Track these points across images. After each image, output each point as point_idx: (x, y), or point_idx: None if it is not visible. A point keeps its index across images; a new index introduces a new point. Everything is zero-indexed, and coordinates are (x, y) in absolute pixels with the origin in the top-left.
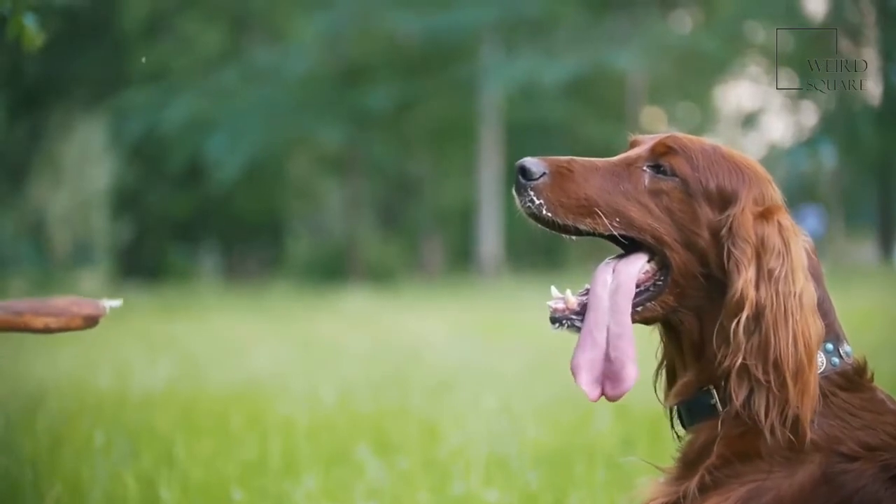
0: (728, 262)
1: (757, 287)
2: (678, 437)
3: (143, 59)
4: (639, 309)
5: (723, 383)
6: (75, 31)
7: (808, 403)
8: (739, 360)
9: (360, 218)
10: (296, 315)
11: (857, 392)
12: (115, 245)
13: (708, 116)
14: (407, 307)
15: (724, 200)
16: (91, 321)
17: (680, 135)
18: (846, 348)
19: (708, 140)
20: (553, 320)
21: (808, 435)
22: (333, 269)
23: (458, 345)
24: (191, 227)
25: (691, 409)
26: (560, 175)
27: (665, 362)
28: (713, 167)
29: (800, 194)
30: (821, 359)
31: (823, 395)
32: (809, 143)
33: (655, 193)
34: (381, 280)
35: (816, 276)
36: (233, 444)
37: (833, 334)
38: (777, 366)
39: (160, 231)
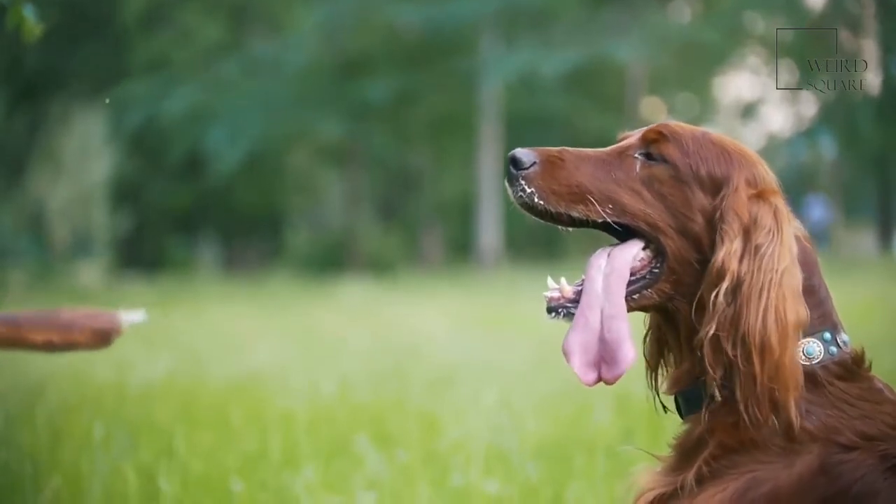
0: (716, 239)
1: (741, 260)
2: (663, 406)
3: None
4: (635, 297)
5: (699, 353)
6: (75, 23)
7: (784, 384)
8: (712, 331)
9: (360, 210)
10: (295, 307)
11: (855, 382)
12: (114, 237)
13: (707, 107)
14: (407, 299)
15: (715, 185)
16: (102, 338)
17: (671, 122)
18: (844, 337)
19: (698, 127)
20: (549, 310)
21: (796, 421)
22: (333, 261)
23: (458, 337)
24: (190, 219)
25: (688, 399)
26: (551, 163)
27: (649, 349)
28: (703, 152)
29: (799, 185)
30: (819, 348)
31: (821, 384)
32: (808, 134)
33: (647, 180)
34: (381, 272)
35: (810, 265)
36: (233, 436)
37: (830, 323)
38: (744, 340)
39: (160, 223)
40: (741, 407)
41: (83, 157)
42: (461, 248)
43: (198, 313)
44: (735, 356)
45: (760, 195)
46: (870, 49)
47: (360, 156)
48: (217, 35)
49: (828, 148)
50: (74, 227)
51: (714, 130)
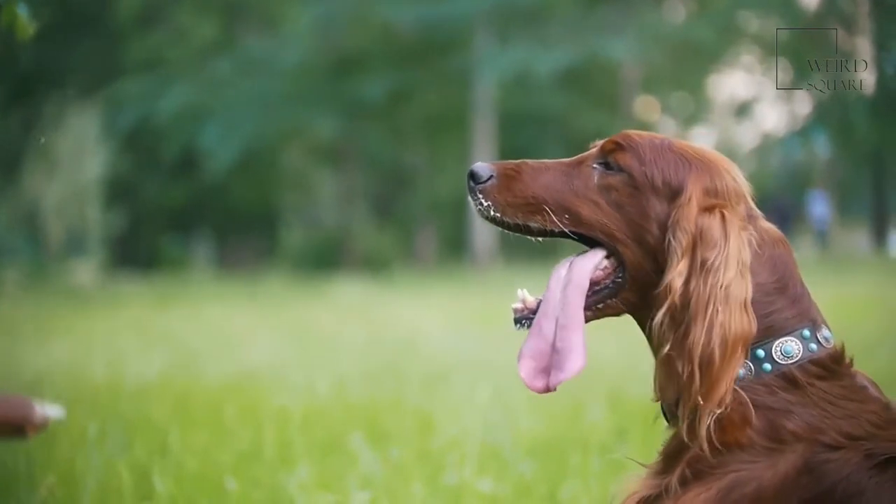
0: (667, 254)
1: (688, 279)
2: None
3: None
4: (599, 306)
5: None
6: (69, 22)
7: (712, 398)
8: (665, 351)
9: (354, 208)
10: (290, 305)
11: (836, 380)
12: (108, 235)
13: (701, 106)
14: (401, 298)
15: (671, 193)
16: (15, 429)
17: (631, 132)
18: (825, 333)
19: (660, 135)
20: (515, 321)
21: (702, 431)
22: (327, 259)
23: (453, 336)
24: (185, 217)
25: (671, 405)
26: (507, 177)
27: None
28: (659, 160)
29: (794, 183)
30: (797, 346)
31: (801, 386)
32: (803, 133)
33: (605, 189)
34: (376, 270)
35: (779, 263)
36: (227, 434)
37: (808, 320)
38: (690, 355)
39: (154, 221)
40: (682, 425)
41: (77, 156)
42: (456, 247)
43: (193, 311)
44: (682, 372)
45: (710, 207)
46: (864, 48)
47: (355, 154)
48: (211, 33)
49: (822, 146)
50: (69, 226)
51: (709, 129)
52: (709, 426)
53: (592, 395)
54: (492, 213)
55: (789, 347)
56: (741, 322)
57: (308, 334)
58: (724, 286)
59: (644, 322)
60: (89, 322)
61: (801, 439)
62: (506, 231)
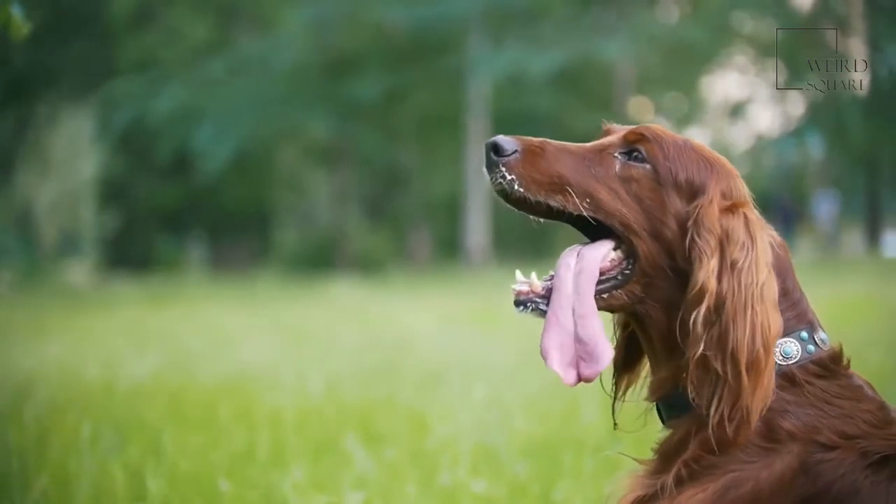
0: (691, 252)
1: (719, 278)
2: (614, 422)
3: None
4: (604, 296)
5: (683, 375)
6: (63, 22)
7: (759, 397)
8: (699, 351)
9: (348, 209)
10: (284, 305)
11: (834, 380)
12: (102, 236)
13: (695, 107)
14: (395, 298)
15: (692, 191)
16: None
17: (653, 125)
18: (821, 335)
19: (679, 134)
20: (517, 303)
21: (751, 430)
22: (321, 259)
23: (447, 336)
24: (178, 217)
25: (669, 405)
26: (532, 153)
27: (617, 353)
28: (683, 158)
29: (789, 184)
30: (796, 348)
31: (799, 384)
32: (796, 134)
33: (626, 179)
34: (370, 270)
35: (784, 268)
36: (221, 435)
37: (806, 322)
38: (734, 357)
39: (147, 222)
40: (712, 422)
41: (71, 156)
42: (449, 247)
43: (186, 312)
44: (725, 373)
45: (732, 207)
46: (857, 48)
47: (349, 154)
48: (205, 34)
49: (816, 147)
50: (62, 226)
51: (702, 130)
52: (720, 425)
53: (586, 395)
54: (515, 187)
55: (789, 349)
56: (776, 321)
57: (302, 335)
58: (759, 286)
59: (643, 317)
60: (83, 323)
61: (797, 439)
62: (514, 209)
